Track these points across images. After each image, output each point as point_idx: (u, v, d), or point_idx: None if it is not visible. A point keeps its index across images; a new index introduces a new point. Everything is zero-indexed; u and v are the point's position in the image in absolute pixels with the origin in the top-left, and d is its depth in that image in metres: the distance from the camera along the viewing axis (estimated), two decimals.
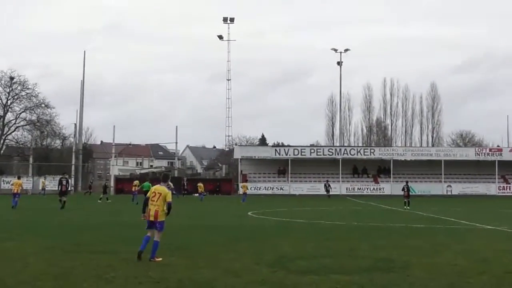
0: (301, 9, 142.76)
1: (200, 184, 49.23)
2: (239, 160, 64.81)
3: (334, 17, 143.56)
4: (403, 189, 34.78)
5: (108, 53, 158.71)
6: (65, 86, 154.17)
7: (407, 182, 35.87)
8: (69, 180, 34.50)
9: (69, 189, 33.23)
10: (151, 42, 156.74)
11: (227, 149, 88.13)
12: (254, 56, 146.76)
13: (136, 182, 44.20)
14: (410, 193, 35.07)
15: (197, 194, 48.58)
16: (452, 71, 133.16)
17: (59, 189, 31.09)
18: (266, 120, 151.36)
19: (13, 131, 74.50)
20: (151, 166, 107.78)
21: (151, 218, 11.54)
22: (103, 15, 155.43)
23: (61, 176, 33.70)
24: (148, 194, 11.72)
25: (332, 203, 40.27)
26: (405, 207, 32.72)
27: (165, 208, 11.44)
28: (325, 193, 53.84)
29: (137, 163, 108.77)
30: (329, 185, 55.27)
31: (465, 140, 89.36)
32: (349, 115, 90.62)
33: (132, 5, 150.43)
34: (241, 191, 47.57)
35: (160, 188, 11.66)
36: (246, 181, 49.76)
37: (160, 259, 11.40)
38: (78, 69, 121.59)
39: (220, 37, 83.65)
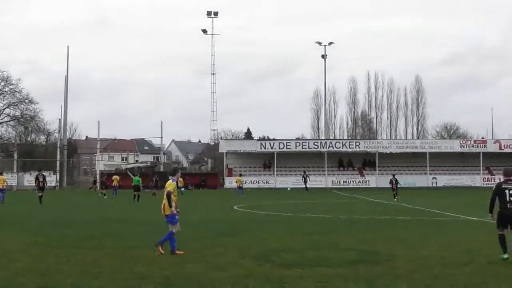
0: (286, 2, 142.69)
1: (180, 179, 48.45)
2: (224, 154, 64.73)
3: (319, 10, 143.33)
4: (390, 182, 35.46)
5: (93, 48, 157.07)
6: (51, 81, 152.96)
7: (393, 175, 36.39)
8: (45, 177, 35.74)
9: (46, 185, 34.69)
10: (137, 37, 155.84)
11: (212, 143, 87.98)
12: (241, 50, 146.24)
13: (115, 177, 43.91)
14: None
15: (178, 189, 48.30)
16: (438, 64, 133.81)
17: (37, 185, 32.64)
18: (252, 114, 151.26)
19: None
20: (137, 161, 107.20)
21: (163, 213, 11.97)
22: (88, 10, 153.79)
23: (37, 172, 35.08)
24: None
25: (318, 196, 40.41)
26: (394, 199, 33.15)
27: (167, 202, 11.77)
28: (303, 185, 53.34)
29: (122, 158, 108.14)
30: (307, 176, 54.46)
31: (450, 132, 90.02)
32: (334, 108, 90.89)
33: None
34: (233, 185, 47.62)
35: (167, 182, 12.08)
36: (240, 175, 50.32)
37: (163, 252, 11.59)
38: (64, 65, 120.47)
39: (204, 31, 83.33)
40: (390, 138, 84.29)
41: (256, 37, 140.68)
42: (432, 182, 61.40)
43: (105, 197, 39.44)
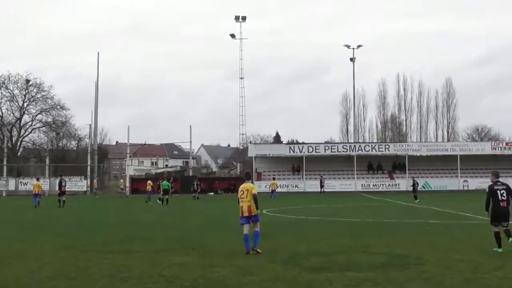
0: (316, 5, 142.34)
1: (198, 183, 48.76)
2: (253, 158, 64.75)
3: (349, 13, 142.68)
4: (412, 185, 39.28)
5: (125, 53, 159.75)
6: (85, 87, 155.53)
7: (413, 178, 40.88)
8: (67, 181, 38.03)
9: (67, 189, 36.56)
10: (169, 42, 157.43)
11: (241, 148, 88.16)
12: (271, 53, 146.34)
13: (149, 182, 44.79)
14: (426, 189, 36.80)
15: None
16: (469, 65, 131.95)
17: (59, 189, 34.14)
18: (281, 118, 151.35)
19: (29, 133, 75.42)
20: (166, 165, 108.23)
21: (245, 214, 12.46)
22: (120, 16, 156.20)
23: (60, 178, 36.55)
24: (239, 194, 12.77)
25: (347, 200, 40.12)
26: (416, 200, 35.13)
27: (254, 203, 12.48)
28: (320, 189, 54.68)
29: (152, 163, 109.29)
30: (323, 181, 55.88)
31: (481, 134, 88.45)
32: (363, 111, 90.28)
33: (148, 5, 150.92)
34: (263, 189, 48.44)
35: (246, 185, 12.74)
36: (273, 179, 51.32)
37: (260, 251, 12.20)
38: (105, 70, 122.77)
39: (232, 35, 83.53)
40: (420, 141, 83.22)
41: (287, 41, 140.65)
42: (463, 185, 60.38)
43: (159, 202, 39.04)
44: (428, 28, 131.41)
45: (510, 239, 12.02)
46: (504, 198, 12.26)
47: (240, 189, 12.82)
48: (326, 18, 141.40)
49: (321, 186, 55.24)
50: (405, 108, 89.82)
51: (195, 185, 46.67)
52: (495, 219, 12.25)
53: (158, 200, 38.01)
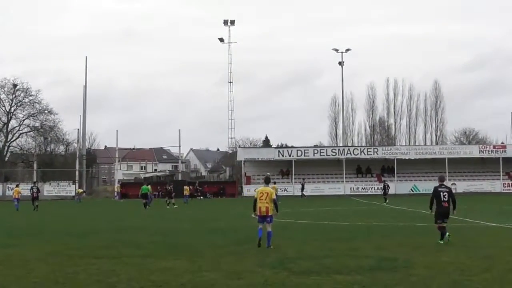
0: (305, 9, 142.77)
1: (186, 187, 48.04)
2: (242, 162, 64.79)
3: (338, 17, 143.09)
4: (383, 188, 42.06)
5: (116, 58, 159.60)
6: (76, 92, 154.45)
7: (384, 181, 44.33)
8: (39, 188, 38.79)
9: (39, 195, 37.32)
10: (158, 47, 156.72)
11: (230, 152, 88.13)
12: (260, 58, 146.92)
13: (186, 187, 46.95)
14: (415, 192, 37.59)
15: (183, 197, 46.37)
16: (458, 69, 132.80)
17: (31, 196, 35.37)
18: (271, 122, 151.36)
19: (17, 138, 74.88)
20: (155, 170, 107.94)
21: (263, 214, 13.81)
22: (110, 21, 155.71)
23: (32, 184, 37.95)
24: (255, 196, 14.09)
25: (336, 204, 40.22)
26: (385, 203, 37.79)
27: (273, 206, 13.92)
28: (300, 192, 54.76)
29: (141, 167, 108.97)
30: (303, 186, 55.98)
31: (469, 137, 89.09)
32: (352, 115, 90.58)
33: (138, 10, 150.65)
34: (252, 193, 48.39)
35: (266, 189, 14.09)
36: (274, 183, 51.30)
37: (272, 247, 13.56)
38: (88, 75, 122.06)
39: (221, 39, 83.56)
40: (409, 144, 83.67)
41: (277, 45, 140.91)
42: (451, 188, 60.63)
43: (174, 206, 38.51)
44: (417, 32, 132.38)
45: (447, 234, 14.10)
46: (446, 199, 14.09)
47: (259, 191, 14.06)
48: (316, 22, 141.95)
49: (302, 189, 55.27)
50: (394, 112, 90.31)
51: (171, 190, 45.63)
52: (438, 217, 14.13)
53: (167, 206, 38.07)
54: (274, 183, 51.79)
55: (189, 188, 49.02)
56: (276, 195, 45.97)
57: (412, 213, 28.24)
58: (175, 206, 38.28)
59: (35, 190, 35.72)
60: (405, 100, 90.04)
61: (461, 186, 60.53)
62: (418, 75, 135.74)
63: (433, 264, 10.98)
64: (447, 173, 60.47)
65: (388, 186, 41.85)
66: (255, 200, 14.01)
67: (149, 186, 40.91)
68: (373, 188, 61.57)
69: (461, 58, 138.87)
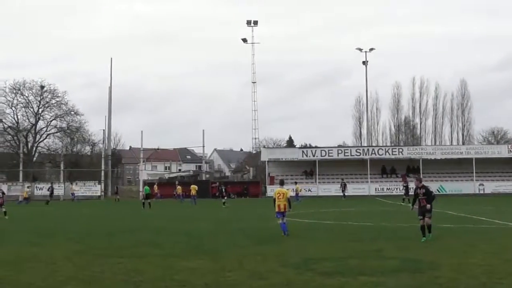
0: (331, 9, 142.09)
1: (194, 186, 46.92)
2: (266, 162, 64.73)
3: (364, 16, 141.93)
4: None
5: (143, 60, 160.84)
6: (104, 93, 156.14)
7: (342, 179, 50.39)
8: (5, 192, 32.05)
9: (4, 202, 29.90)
10: (186, 48, 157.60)
11: (254, 152, 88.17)
12: (286, 58, 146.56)
13: (193, 186, 46.09)
14: (441, 193, 37.07)
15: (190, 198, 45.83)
16: (486, 68, 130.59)
17: None
18: (295, 122, 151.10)
19: (44, 139, 76.05)
20: (179, 170, 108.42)
21: (282, 210, 17.11)
22: (137, 23, 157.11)
23: None
24: (274, 196, 17.48)
25: (360, 204, 39.93)
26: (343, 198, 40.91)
27: (288, 203, 17.16)
28: (341, 193, 52.54)
29: (165, 168, 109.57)
30: (344, 185, 53.39)
31: (497, 137, 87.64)
32: (377, 115, 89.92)
33: (164, 12, 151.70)
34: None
35: (282, 190, 17.35)
36: (295, 183, 51.55)
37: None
38: (115, 77, 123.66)
39: (244, 40, 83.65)
40: (435, 144, 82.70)
41: (304, 46, 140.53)
42: (479, 189, 59.83)
43: (226, 205, 39.03)
44: (444, 31, 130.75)
45: (430, 235, 15.36)
46: (424, 197, 15.59)
47: (277, 191, 17.43)
48: (341, 22, 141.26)
49: (343, 190, 52.64)
50: (420, 111, 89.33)
51: (223, 190, 45.07)
52: (419, 213, 15.60)
53: (223, 206, 38.39)
54: (295, 183, 52.16)
55: (216, 187, 48.37)
56: (297, 194, 45.99)
57: (438, 214, 27.84)
58: (225, 205, 38.59)
59: (0, 194, 29.33)
60: (431, 100, 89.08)
61: (489, 187, 59.67)
62: (445, 74, 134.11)
63: (460, 266, 10.80)
64: (474, 174, 59.72)
65: (345, 184, 46.55)
66: (274, 200, 17.25)
67: (155, 186, 42.13)
68: (398, 189, 60.76)
69: (490, 57, 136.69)
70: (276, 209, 17.16)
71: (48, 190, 54.49)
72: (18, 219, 28.44)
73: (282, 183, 18.03)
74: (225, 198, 40.55)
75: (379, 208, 34.95)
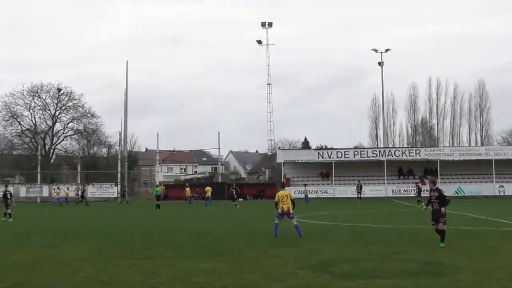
0: (346, 10, 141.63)
1: (208, 188, 45.76)
2: (282, 163, 64.62)
3: (379, 17, 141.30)
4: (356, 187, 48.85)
5: (160, 62, 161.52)
6: (121, 95, 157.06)
7: (359, 181, 49.98)
8: (12, 193, 30.87)
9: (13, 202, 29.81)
10: (201, 50, 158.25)
11: (269, 153, 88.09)
12: (301, 59, 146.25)
13: (208, 188, 45.02)
14: (459, 194, 36.30)
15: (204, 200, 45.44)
16: (506, 69, 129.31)
17: (5, 202, 28.85)
18: (311, 124, 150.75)
19: (61, 141, 76.75)
20: (195, 172, 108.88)
21: (285, 212, 17.16)
22: (154, 26, 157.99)
23: (5, 189, 31.38)
24: (276, 199, 17.57)
25: (377, 206, 39.66)
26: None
27: (292, 204, 17.33)
28: (357, 195, 51.31)
29: (181, 169, 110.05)
30: (360, 187, 52.22)
31: None
32: (393, 116, 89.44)
33: (181, 14, 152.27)
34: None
35: (285, 192, 17.72)
36: (305, 185, 52.50)
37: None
38: (131, 79, 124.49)
39: (259, 42, 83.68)
40: (453, 145, 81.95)
41: (318, 47, 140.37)
42: (499, 191, 59.09)
43: (237, 207, 39.90)
44: (461, 31, 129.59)
45: (442, 244, 14.25)
46: (437, 201, 14.75)
47: (280, 194, 17.58)
48: (357, 22, 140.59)
49: (359, 193, 51.51)
50: (437, 112, 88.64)
51: (234, 192, 44.84)
52: (432, 218, 14.82)
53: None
54: (305, 185, 52.36)
55: (234, 190, 47.59)
56: (306, 196, 46.69)
57: (457, 216, 27.54)
58: (237, 206, 39.99)
59: (9, 196, 29.00)
60: (449, 100, 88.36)
61: (509, 188, 58.87)
62: (463, 74, 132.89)
63: (482, 270, 10.61)
64: (494, 175, 58.97)
65: (361, 186, 46.70)
66: (277, 202, 17.45)
67: (163, 187, 42.54)
68: (415, 191, 60.41)
69: (509, 57, 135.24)
70: (279, 211, 17.38)
71: (123, 191, 60.59)
72: (37, 220, 28.65)
73: (283, 186, 18.91)
74: (237, 200, 41.52)
75: (396, 210, 34.69)
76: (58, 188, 55.87)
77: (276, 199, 17.59)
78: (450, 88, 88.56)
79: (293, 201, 17.45)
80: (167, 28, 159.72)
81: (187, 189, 51.38)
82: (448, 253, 13.04)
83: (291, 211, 17.19)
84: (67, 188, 57.89)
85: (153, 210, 37.17)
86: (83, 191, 55.35)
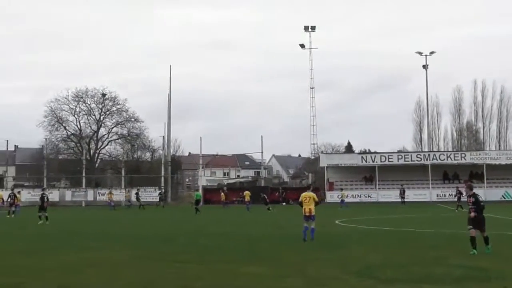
0: (391, 13, 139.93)
1: (247, 192, 46.60)
2: (325, 168, 64.19)
3: (423, 19, 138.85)
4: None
5: (203, 66, 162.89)
6: (164, 100, 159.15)
7: (402, 185, 51.07)
8: (48, 196, 31.29)
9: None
10: (244, 54, 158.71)
11: (312, 158, 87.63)
12: (345, 63, 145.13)
13: (246, 192, 46.82)
14: (506, 199, 35.47)
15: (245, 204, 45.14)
16: None
17: (41, 204, 29.13)
18: (354, 127, 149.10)
19: (106, 145, 78.14)
20: (238, 176, 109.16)
21: (307, 214, 17.35)
22: (197, 30, 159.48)
23: (42, 192, 31.78)
24: (300, 199, 17.86)
25: (421, 210, 38.98)
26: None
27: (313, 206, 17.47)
28: (400, 200, 51.95)
29: (224, 174, 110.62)
30: (403, 191, 52.96)
31: None
32: (437, 119, 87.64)
33: (223, 19, 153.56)
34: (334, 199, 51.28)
35: (309, 193, 17.86)
36: (341, 189, 52.22)
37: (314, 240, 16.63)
38: (175, 84, 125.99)
39: (302, 45, 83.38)
40: (499, 149, 79.82)
41: (361, 50, 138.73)
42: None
43: (269, 210, 41.19)
44: (507, 32, 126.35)
45: (488, 247, 13.99)
46: (474, 207, 14.38)
47: (303, 195, 17.80)
48: (400, 25, 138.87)
49: (402, 197, 52.33)
50: (482, 115, 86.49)
51: (266, 197, 46.05)
52: (468, 223, 14.36)
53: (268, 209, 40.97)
54: (341, 189, 52.26)
55: (265, 195, 47.94)
56: (343, 200, 47.00)
57: (504, 221, 26.84)
58: (270, 210, 41.07)
59: (45, 199, 29.33)
60: (496, 103, 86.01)
61: None
62: (509, 77, 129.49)
63: None
64: None
65: (404, 190, 47.00)
66: (301, 202, 17.73)
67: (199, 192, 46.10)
68: (454, 195, 59.03)
69: None
70: (304, 213, 17.56)
71: (159, 194, 60.73)
72: (81, 223, 29.27)
73: (309, 187, 19.76)
74: (268, 204, 43.03)
75: (441, 215, 34.03)
76: (110, 192, 56.59)
77: (300, 199, 17.95)
78: (498, 91, 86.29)
79: (316, 203, 17.69)
80: (209, 32, 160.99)
81: (222, 193, 51.60)
82: (495, 258, 12.73)
83: (313, 212, 17.42)
84: (127, 190, 60.26)
85: (193, 214, 37.48)
86: (137, 195, 55.67)
